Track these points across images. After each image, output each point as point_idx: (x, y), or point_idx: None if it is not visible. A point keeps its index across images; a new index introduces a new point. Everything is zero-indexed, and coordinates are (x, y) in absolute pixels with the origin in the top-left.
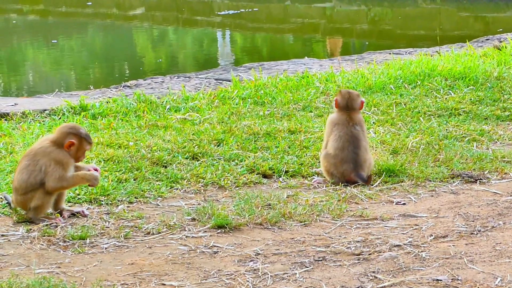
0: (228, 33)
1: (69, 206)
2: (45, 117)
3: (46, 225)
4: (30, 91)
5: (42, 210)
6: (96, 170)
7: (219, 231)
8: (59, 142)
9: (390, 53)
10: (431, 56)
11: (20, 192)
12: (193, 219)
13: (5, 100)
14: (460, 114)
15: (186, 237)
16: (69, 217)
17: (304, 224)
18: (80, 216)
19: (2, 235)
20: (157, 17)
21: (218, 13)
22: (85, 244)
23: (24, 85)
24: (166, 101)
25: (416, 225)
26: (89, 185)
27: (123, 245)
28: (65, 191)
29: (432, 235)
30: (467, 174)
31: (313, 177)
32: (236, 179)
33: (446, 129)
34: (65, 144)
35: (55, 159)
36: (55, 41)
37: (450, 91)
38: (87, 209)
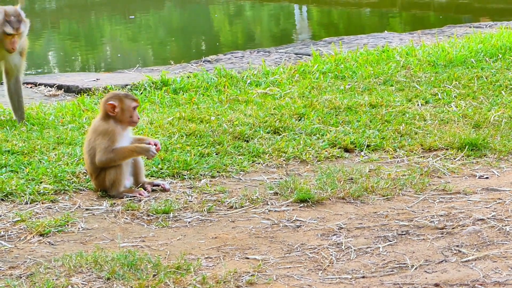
0: (305, 7)
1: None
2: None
3: (130, 199)
4: (108, 67)
5: (119, 184)
6: (155, 144)
7: (302, 205)
8: (103, 113)
9: (470, 27)
10: None
11: (94, 177)
12: (276, 193)
13: (87, 76)
14: None
15: (268, 211)
16: (152, 191)
17: (386, 198)
18: (160, 190)
19: (87, 209)
20: None
21: None
22: (168, 218)
23: (103, 61)
24: (247, 76)
25: (499, 199)
26: (146, 158)
27: (206, 219)
28: (141, 163)
29: None
30: None
31: None
32: (318, 153)
33: None
34: (107, 109)
35: (100, 131)
36: (133, 16)
37: None
38: (169, 183)
